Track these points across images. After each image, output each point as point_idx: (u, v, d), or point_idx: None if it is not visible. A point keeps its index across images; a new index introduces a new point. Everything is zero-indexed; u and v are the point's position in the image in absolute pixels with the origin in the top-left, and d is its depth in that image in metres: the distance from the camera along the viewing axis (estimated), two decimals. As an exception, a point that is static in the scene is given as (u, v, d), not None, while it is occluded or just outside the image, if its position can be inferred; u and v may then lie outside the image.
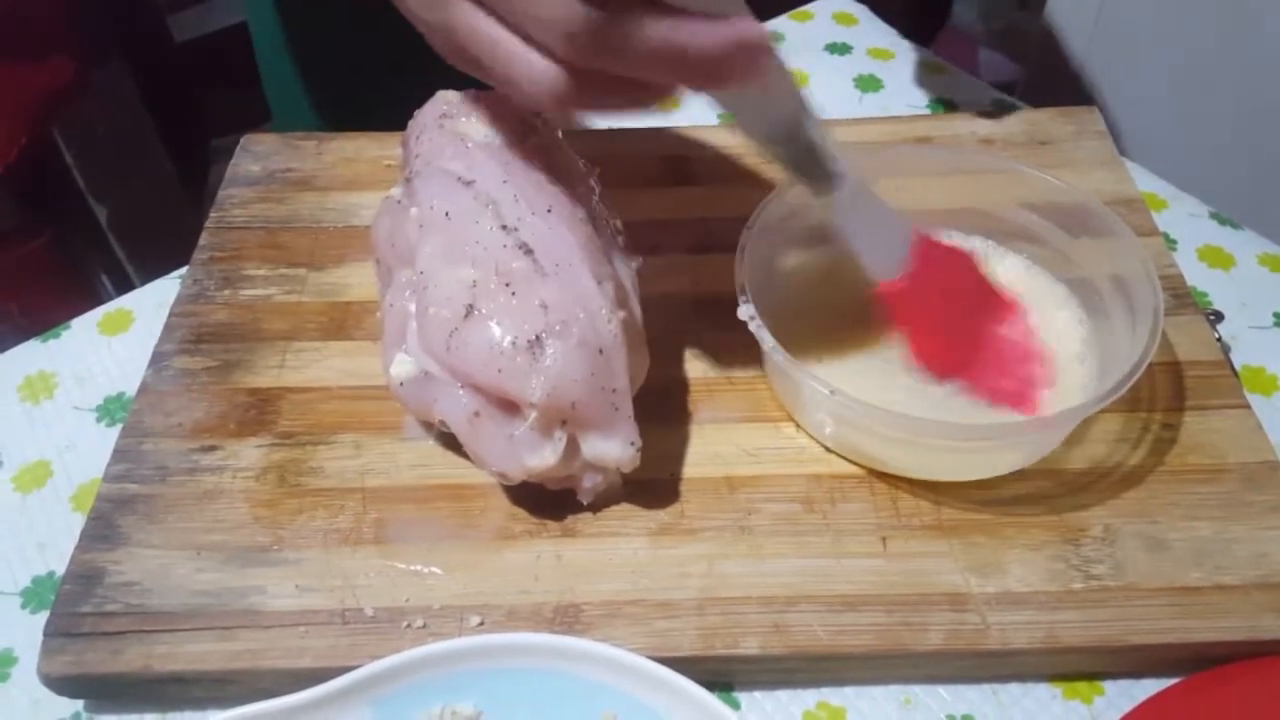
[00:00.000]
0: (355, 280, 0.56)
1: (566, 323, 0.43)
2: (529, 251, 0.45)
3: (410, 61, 0.76)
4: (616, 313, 0.45)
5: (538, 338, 0.43)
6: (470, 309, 0.44)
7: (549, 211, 0.46)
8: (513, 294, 0.44)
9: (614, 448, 0.44)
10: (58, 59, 1.16)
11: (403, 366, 0.46)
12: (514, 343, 0.43)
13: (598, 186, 0.52)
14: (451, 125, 0.51)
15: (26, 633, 0.45)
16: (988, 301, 0.51)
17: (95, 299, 0.60)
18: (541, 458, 0.43)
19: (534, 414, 0.43)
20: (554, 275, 0.44)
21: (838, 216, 0.47)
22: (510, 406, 0.44)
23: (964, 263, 0.51)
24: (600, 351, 0.43)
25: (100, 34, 1.30)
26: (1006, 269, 0.54)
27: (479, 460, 0.45)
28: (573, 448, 0.44)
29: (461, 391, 0.44)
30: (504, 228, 0.45)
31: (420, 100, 0.54)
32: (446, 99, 0.53)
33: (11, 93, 1.11)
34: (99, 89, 1.26)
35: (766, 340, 0.45)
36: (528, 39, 0.37)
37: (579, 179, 0.50)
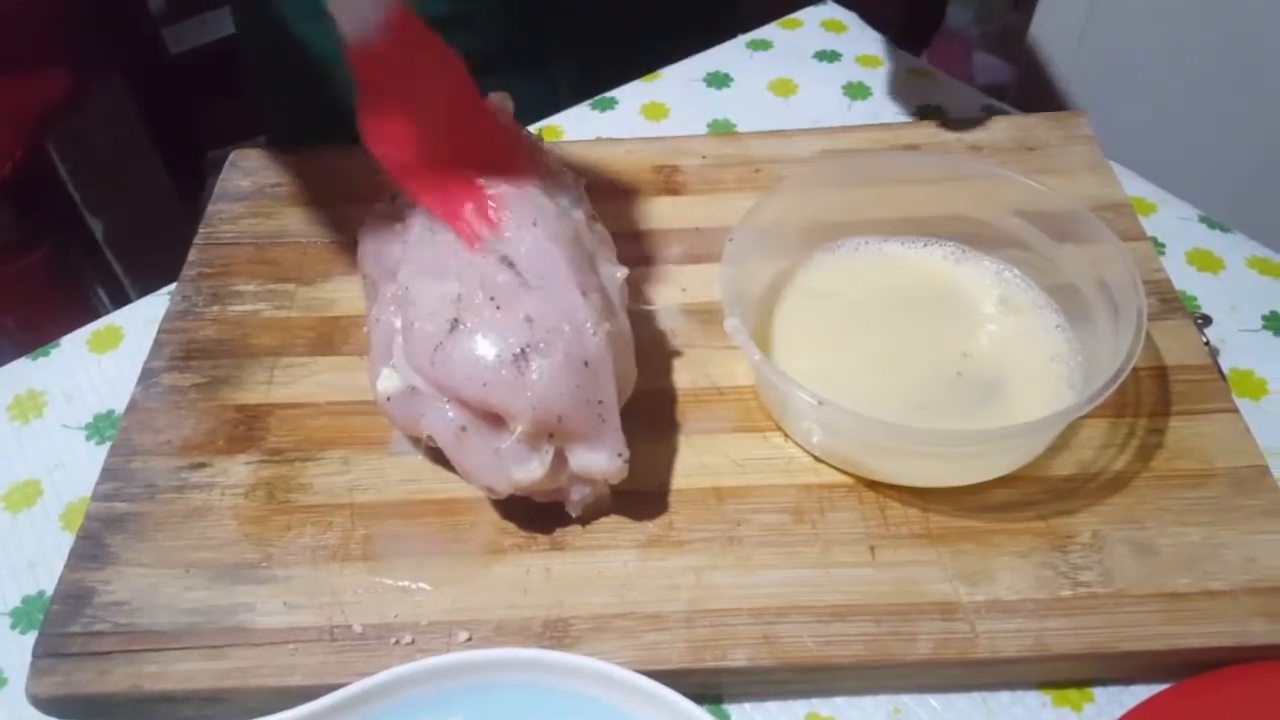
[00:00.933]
0: (344, 295, 0.56)
1: (551, 335, 0.43)
2: (513, 265, 0.45)
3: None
4: (602, 324, 0.45)
5: (523, 351, 0.43)
6: (455, 323, 0.44)
7: (534, 225, 0.46)
8: (497, 308, 0.44)
9: (601, 459, 0.44)
10: (53, 72, 1.16)
11: (389, 381, 0.46)
12: (499, 356, 0.43)
13: (584, 196, 0.52)
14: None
15: (15, 653, 0.44)
16: (467, 113, 0.49)
17: (92, 313, 0.60)
18: (529, 471, 0.43)
19: (520, 428, 0.43)
20: (539, 288, 0.44)
21: None
22: (497, 420, 0.44)
23: (453, 65, 0.49)
24: (586, 364, 0.43)
25: (95, 47, 1.31)
26: (991, 275, 0.54)
27: (466, 475, 0.45)
28: (560, 460, 0.44)
29: (448, 406, 0.44)
30: (488, 241, 0.46)
31: None
32: None
33: (6, 106, 1.11)
34: (94, 102, 1.26)
35: (753, 351, 0.45)
36: None
37: (565, 189, 0.51)
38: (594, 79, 0.73)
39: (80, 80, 1.19)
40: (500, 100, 0.53)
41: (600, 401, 0.44)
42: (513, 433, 0.43)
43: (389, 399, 0.45)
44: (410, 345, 0.44)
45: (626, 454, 0.44)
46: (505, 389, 0.42)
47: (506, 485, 0.43)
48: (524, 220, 0.46)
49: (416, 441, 0.48)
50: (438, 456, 0.48)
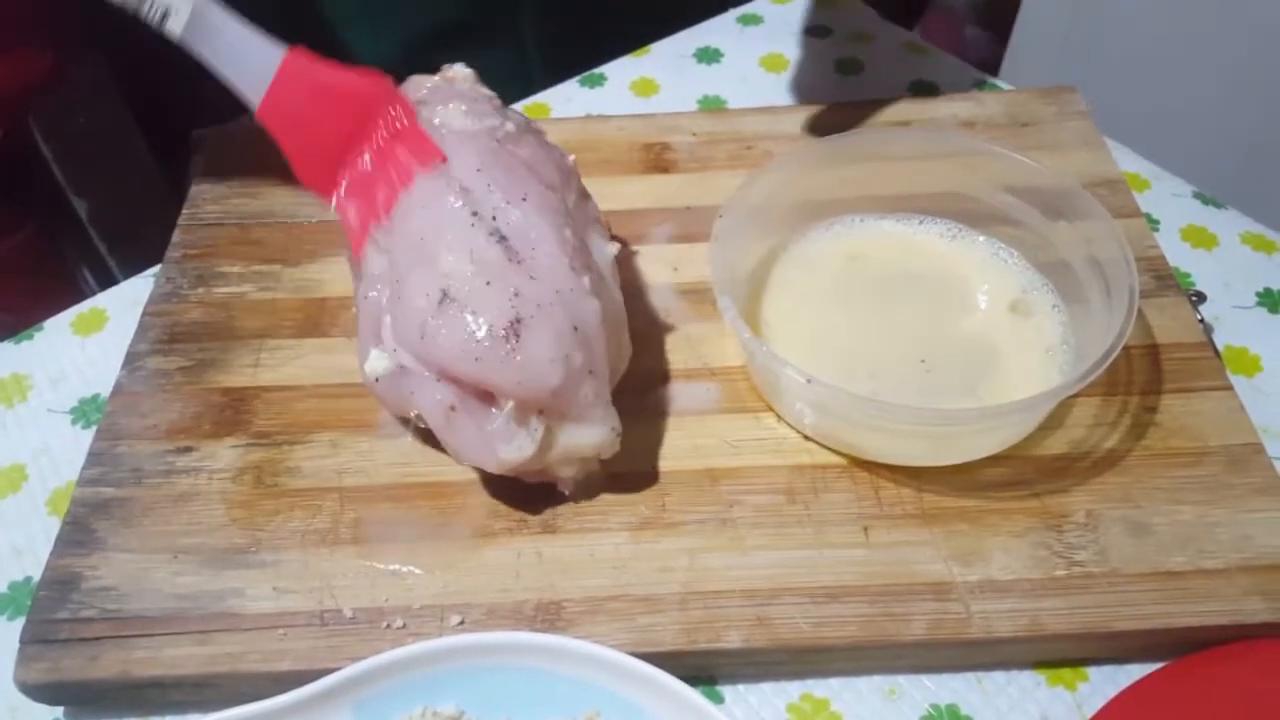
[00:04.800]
0: (330, 276, 0.55)
1: (542, 310, 0.43)
2: (504, 239, 0.44)
3: (377, 44, 0.75)
4: (593, 299, 0.44)
5: (513, 325, 0.42)
6: (445, 298, 0.43)
7: (524, 200, 0.46)
8: (487, 282, 0.43)
9: (593, 434, 0.43)
10: (32, 51, 1.14)
11: (378, 362, 0.45)
12: (490, 331, 0.42)
13: (576, 172, 0.51)
14: (426, 113, 0.50)
15: (3, 640, 0.44)
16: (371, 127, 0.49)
17: (77, 295, 0.59)
18: (519, 449, 0.43)
19: (511, 403, 0.42)
20: (530, 262, 0.44)
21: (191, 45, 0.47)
22: (487, 398, 0.43)
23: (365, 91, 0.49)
24: (577, 338, 0.43)
25: (75, 24, 1.29)
26: (985, 253, 0.53)
27: (456, 454, 0.44)
28: (550, 438, 0.43)
29: (437, 383, 0.43)
30: (477, 215, 0.45)
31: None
32: (419, 85, 0.52)
33: (-15, 86, 1.10)
34: (76, 81, 1.24)
35: (742, 330, 0.45)
36: None
37: (555, 165, 0.50)
38: (567, 52, 0.72)
39: (61, 59, 1.17)
40: (458, 71, 0.52)
41: (591, 374, 0.43)
42: (503, 409, 0.42)
43: (377, 379, 0.45)
44: (399, 322, 0.44)
45: (619, 427, 0.44)
46: (496, 364, 0.42)
47: (496, 464, 0.43)
48: (514, 195, 0.45)
49: (406, 423, 0.48)
50: (427, 438, 0.47)
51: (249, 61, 0.48)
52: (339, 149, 0.48)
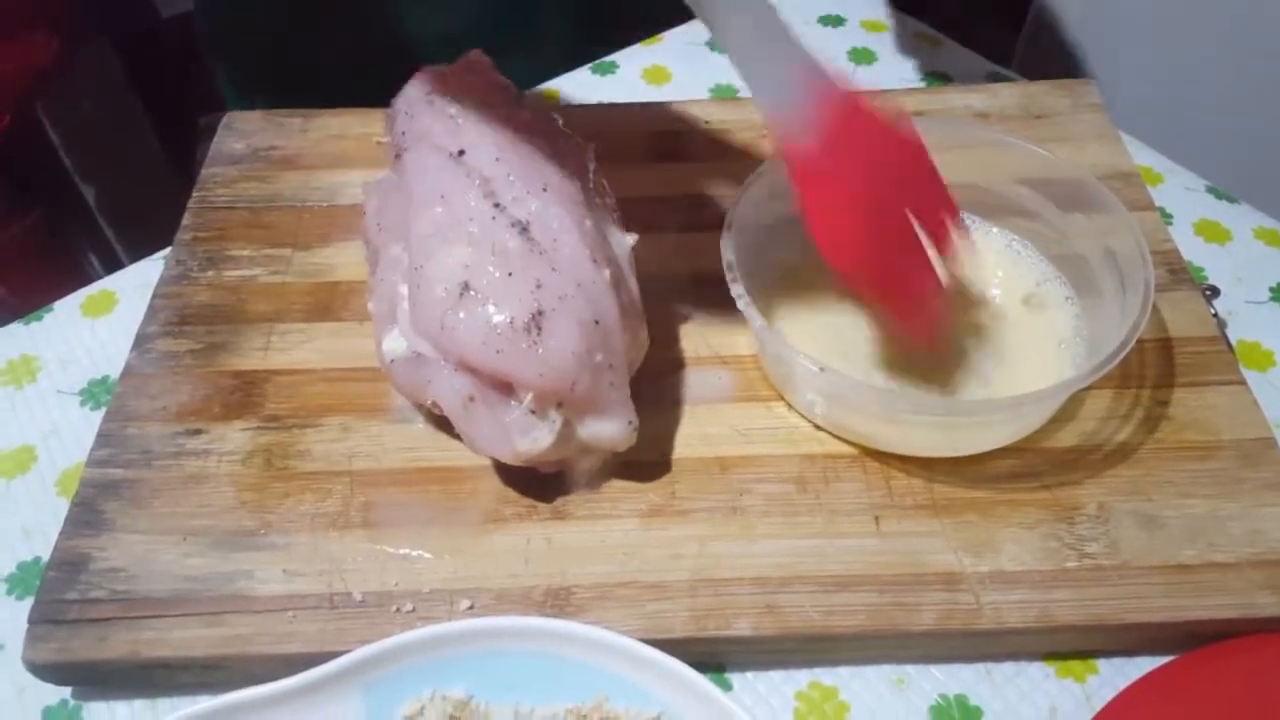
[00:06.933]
0: (341, 260, 0.55)
1: (564, 302, 0.42)
2: (524, 230, 0.44)
3: (381, 38, 0.74)
4: (613, 292, 0.44)
5: (534, 317, 0.42)
6: (465, 288, 0.43)
7: (544, 190, 0.45)
8: (509, 273, 0.43)
9: (612, 428, 0.43)
10: (40, 36, 1.14)
11: (396, 342, 0.45)
12: (511, 323, 0.42)
13: (593, 163, 0.51)
14: (442, 103, 0.50)
15: (12, 619, 0.44)
16: (924, 201, 0.43)
17: (85, 280, 0.59)
18: (536, 441, 0.42)
19: (530, 395, 0.42)
20: (551, 253, 0.44)
21: (726, 45, 0.41)
22: (505, 388, 0.43)
23: (905, 145, 0.43)
24: (598, 331, 0.43)
25: (83, 9, 1.29)
26: (999, 244, 0.53)
27: (473, 444, 0.44)
28: (567, 430, 0.43)
29: (455, 374, 0.43)
30: (498, 205, 0.45)
31: (391, 77, 0.53)
32: (433, 74, 0.52)
33: (-8, 72, 1.10)
34: (83, 66, 1.24)
35: (755, 319, 0.45)
36: None
37: (572, 155, 0.50)
38: (586, 44, 0.72)
39: (68, 44, 1.17)
40: (476, 58, 0.52)
41: (611, 367, 0.43)
42: (522, 401, 0.42)
43: (393, 361, 0.45)
44: (418, 311, 0.43)
45: (636, 421, 0.44)
46: (517, 356, 0.42)
47: (513, 456, 0.43)
48: (534, 184, 0.45)
49: (417, 408, 0.48)
50: (438, 423, 0.47)
51: (779, 77, 0.39)
52: (863, 214, 0.40)
